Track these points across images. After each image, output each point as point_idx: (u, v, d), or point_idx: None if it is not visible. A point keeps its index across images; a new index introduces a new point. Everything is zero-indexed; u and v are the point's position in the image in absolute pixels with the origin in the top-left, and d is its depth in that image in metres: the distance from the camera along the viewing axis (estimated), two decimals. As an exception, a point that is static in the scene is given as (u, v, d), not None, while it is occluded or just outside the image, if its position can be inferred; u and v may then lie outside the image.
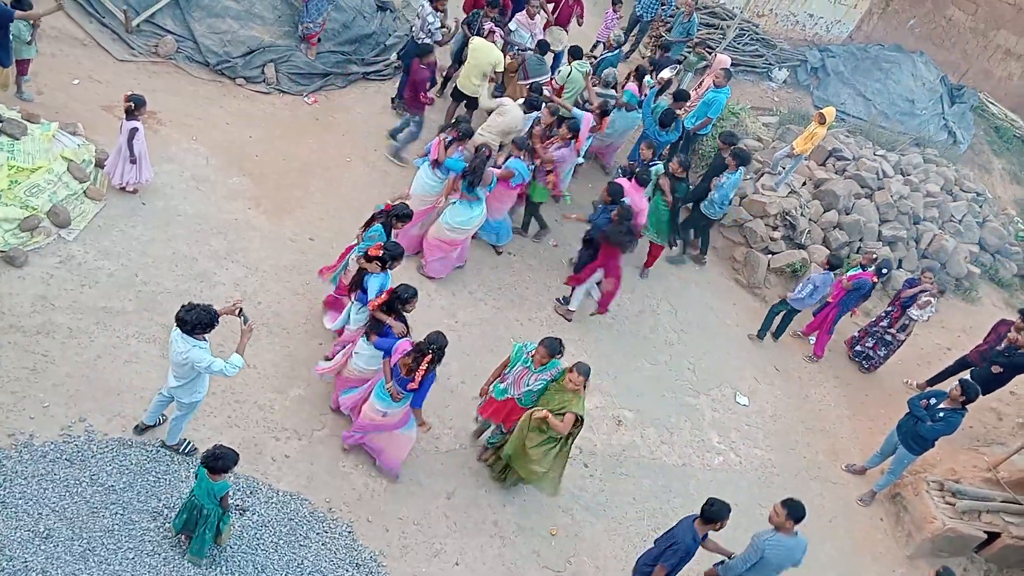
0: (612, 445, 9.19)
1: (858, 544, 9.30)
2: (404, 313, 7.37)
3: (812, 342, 11.58)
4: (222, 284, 8.63)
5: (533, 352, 7.40)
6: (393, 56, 12.57)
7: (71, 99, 9.77)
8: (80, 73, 10.19)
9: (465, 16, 11.68)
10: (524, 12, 11.97)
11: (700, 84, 13.06)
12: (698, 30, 14.45)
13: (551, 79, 11.52)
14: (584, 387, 7.38)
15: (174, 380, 6.59)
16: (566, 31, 12.96)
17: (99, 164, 8.97)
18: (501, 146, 10.38)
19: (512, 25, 11.96)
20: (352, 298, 7.85)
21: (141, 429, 7.19)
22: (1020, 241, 15.06)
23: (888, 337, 11.25)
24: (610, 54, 12.24)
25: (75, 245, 8.30)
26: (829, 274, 10.80)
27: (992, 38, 17.71)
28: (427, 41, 10.84)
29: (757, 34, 16.27)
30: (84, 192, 8.65)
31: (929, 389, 10.35)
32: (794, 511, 6.74)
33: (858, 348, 11.62)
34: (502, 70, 11.11)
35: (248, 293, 8.64)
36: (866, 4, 16.91)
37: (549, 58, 12.14)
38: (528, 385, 7.49)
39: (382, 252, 7.42)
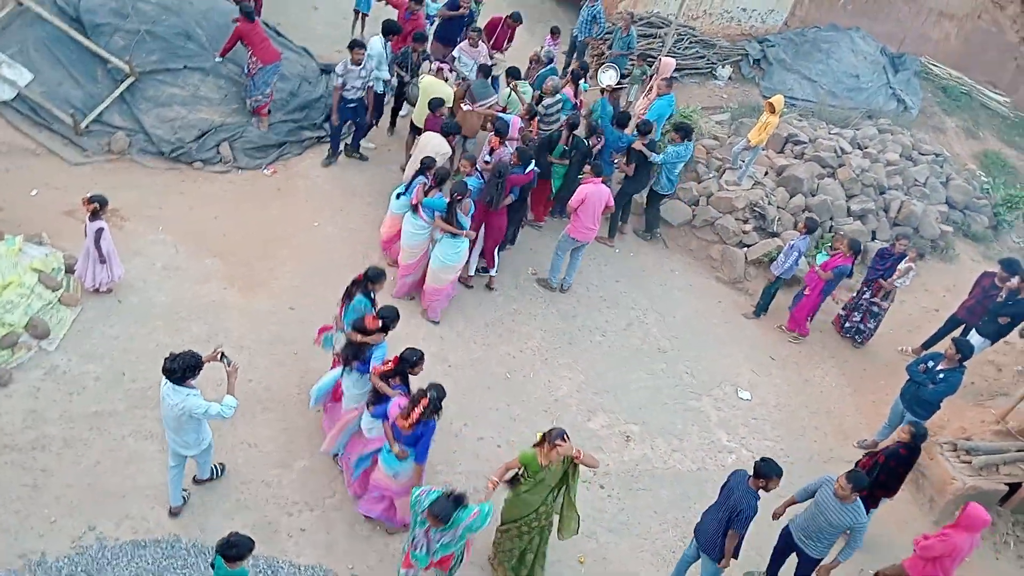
0: (624, 462, 9.16)
1: (882, 517, 9.24)
2: (411, 376, 7.24)
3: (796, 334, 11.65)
4: (209, 367, 8.54)
5: (424, 514, 6.15)
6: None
7: (32, 210, 9.74)
8: (37, 182, 10.18)
9: (394, 55, 11.86)
10: (467, 41, 12.38)
11: (649, 91, 13.24)
12: (637, 42, 14.67)
13: (497, 102, 11.76)
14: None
15: (176, 438, 6.74)
16: (503, 55, 13.35)
17: (69, 270, 8.93)
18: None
19: (456, 53, 12.38)
20: (349, 368, 7.54)
21: (175, 513, 7.25)
22: (986, 194, 15.28)
23: (875, 308, 11.35)
24: (544, 69, 12.58)
25: (57, 354, 8.24)
26: (807, 237, 11.04)
27: (924, 3, 18.11)
28: (349, 92, 11.19)
29: (695, 36, 16.54)
30: (59, 300, 8.60)
31: (925, 353, 10.41)
32: (858, 482, 7.01)
33: (847, 325, 11.69)
34: (451, 104, 11.33)
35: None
36: (795, -11, 17.26)
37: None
38: (439, 542, 6.30)
39: (381, 322, 7.35)
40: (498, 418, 9.14)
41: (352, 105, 11.34)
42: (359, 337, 7.35)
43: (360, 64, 11.05)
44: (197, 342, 8.76)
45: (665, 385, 10.33)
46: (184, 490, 7.33)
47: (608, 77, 12.61)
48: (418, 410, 6.70)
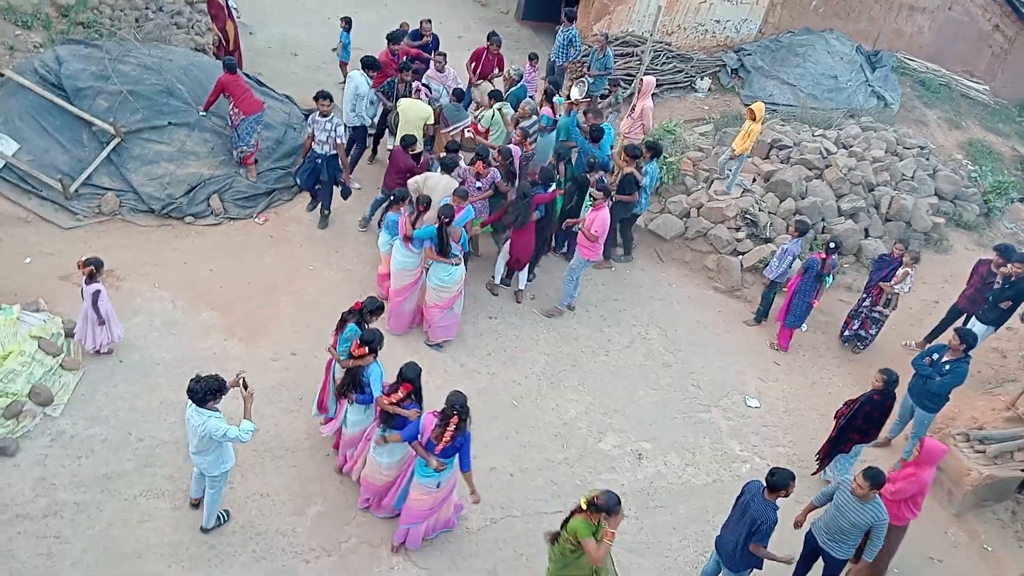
0: (639, 480, 9.11)
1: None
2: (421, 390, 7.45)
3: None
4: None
5: None
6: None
7: (27, 277, 9.75)
8: (30, 250, 10.20)
9: (381, 85, 12.07)
10: (433, 67, 12.81)
11: (632, 109, 13.33)
12: (614, 62, 14.79)
13: (474, 123, 12.05)
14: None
15: (198, 455, 6.95)
16: (491, 84, 13.58)
17: (69, 334, 8.92)
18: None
19: (424, 80, 12.69)
20: (350, 400, 7.71)
21: (195, 504, 7.61)
22: (974, 182, 15.35)
23: (876, 315, 11.21)
24: (515, 88, 12.92)
25: (63, 419, 8.21)
26: (799, 240, 11.05)
27: (893, -1, 18.30)
28: (316, 147, 10.98)
29: (672, 51, 16.68)
30: (60, 365, 8.59)
31: (929, 345, 10.39)
32: (875, 480, 6.98)
33: (846, 333, 11.58)
34: (432, 122, 11.68)
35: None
36: (766, -2, 17.43)
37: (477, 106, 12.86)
38: None
39: (366, 347, 7.37)
40: (509, 446, 9.11)
41: (317, 160, 11.13)
42: (350, 362, 7.45)
43: (327, 116, 10.82)
44: (202, 396, 8.73)
45: (673, 399, 10.30)
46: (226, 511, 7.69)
47: (577, 91, 13.04)
48: (450, 431, 6.88)
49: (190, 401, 6.68)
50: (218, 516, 7.55)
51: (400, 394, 7.22)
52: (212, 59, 13.24)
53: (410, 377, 7.28)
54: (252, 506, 7.85)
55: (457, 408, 6.90)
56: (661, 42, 16.45)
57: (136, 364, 9.00)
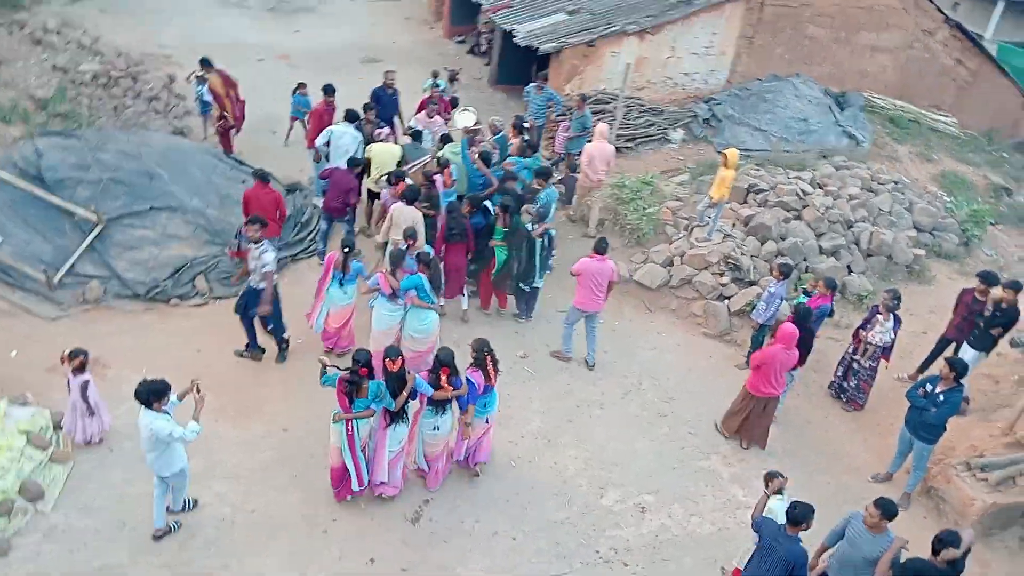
0: (643, 534, 8.98)
1: (911, 549, 9.08)
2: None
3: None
4: (209, 504, 8.41)
5: None
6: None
7: (13, 371, 9.66)
8: (15, 343, 10.13)
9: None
10: (424, 112, 13.60)
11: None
12: (593, 122, 15.03)
13: (429, 160, 12.54)
14: None
15: (149, 457, 7.42)
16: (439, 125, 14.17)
17: (57, 426, 8.82)
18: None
19: (411, 122, 13.52)
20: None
21: (159, 536, 7.86)
22: (951, 213, 15.55)
23: (855, 365, 11.02)
24: (495, 137, 13.61)
25: (55, 514, 8.06)
26: (784, 282, 11.07)
27: (856, 42, 18.74)
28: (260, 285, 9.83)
29: (643, 106, 16.97)
30: (50, 458, 8.47)
31: (922, 377, 10.39)
32: (886, 509, 7.05)
33: (832, 380, 11.44)
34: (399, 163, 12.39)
35: (236, 504, 8.45)
36: (732, 48, 17.84)
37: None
38: None
39: (448, 368, 8.11)
40: (509, 509, 8.98)
41: (255, 291, 9.95)
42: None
43: (257, 243, 9.57)
44: (195, 479, 8.55)
45: (671, 449, 10.22)
46: (176, 521, 8.05)
47: (464, 119, 13.54)
48: (491, 370, 8.32)
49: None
50: (185, 502, 8.11)
51: (444, 379, 8.12)
52: (190, 142, 13.39)
53: (448, 361, 8.14)
54: (251, 588, 7.70)
55: (487, 351, 8.29)
56: (632, 97, 16.74)
57: (127, 452, 8.86)
